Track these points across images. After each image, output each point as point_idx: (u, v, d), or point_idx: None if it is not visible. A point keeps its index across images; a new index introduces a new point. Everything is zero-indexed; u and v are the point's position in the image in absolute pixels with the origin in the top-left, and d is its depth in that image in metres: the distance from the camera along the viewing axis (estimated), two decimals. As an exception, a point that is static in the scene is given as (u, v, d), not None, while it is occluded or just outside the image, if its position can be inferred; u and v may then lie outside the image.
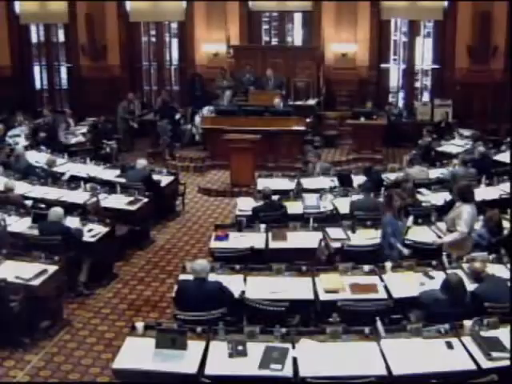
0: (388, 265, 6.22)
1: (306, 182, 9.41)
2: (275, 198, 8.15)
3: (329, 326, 5.09)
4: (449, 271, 6.00)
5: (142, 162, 9.66)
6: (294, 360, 4.73)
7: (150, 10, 15.68)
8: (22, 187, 9.00)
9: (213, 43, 15.06)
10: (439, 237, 6.99)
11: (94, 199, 8.35)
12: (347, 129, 13.57)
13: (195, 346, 4.90)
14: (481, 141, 11.33)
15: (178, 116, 13.74)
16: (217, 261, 6.57)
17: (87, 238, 7.35)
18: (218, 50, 15.01)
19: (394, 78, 15.40)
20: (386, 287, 5.87)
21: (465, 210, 6.70)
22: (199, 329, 5.07)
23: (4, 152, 10.88)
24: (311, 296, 5.81)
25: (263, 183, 9.18)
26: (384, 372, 4.59)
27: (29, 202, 8.42)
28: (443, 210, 7.48)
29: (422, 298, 5.48)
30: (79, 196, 8.76)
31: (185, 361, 4.76)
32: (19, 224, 7.73)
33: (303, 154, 12.18)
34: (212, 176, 12.08)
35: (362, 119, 12.97)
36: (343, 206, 8.17)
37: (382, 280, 6.01)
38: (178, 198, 10.37)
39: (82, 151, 12.20)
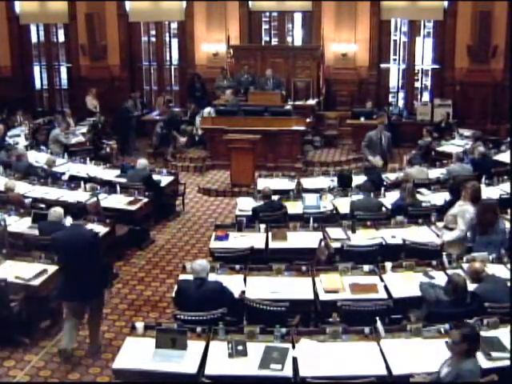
0: (388, 265, 6.23)
1: (306, 182, 9.42)
2: (275, 198, 8.15)
3: (329, 326, 5.10)
4: (449, 271, 6.01)
5: (142, 162, 9.66)
6: (294, 360, 4.73)
7: (150, 10, 15.68)
8: (22, 187, 8.99)
9: (213, 43, 15.07)
10: (437, 235, 7.01)
11: (94, 199, 8.35)
12: (347, 129, 13.57)
13: (195, 346, 4.91)
14: (481, 141, 11.33)
15: (183, 126, 13.63)
16: (217, 261, 6.56)
17: (87, 237, 7.33)
18: (217, 50, 15.03)
19: (394, 78, 15.39)
20: (386, 287, 5.87)
21: (468, 211, 6.76)
22: (199, 329, 5.07)
23: (4, 152, 10.88)
24: (311, 296, 5.81)
25: (263, 183, 9.17)
26: (384, 372, 4.59)
27: (29, 202, 8.42)
28: (443, 210, 7.48)
29: (421, 289, 5.56)
30: (79, 196, 8.75)
31: (185, 361, 4.76)
32: (19, 224, 7.72)
33: (303, 153, 12.18)
34: (212, 176, 12.08)
35: (362, 119, 12.96)
36: (343, 206, 8.17)
37: (382, 280, 6.01)
38: (178, 198, 10.37)
39: (82, 151, 12.20)
